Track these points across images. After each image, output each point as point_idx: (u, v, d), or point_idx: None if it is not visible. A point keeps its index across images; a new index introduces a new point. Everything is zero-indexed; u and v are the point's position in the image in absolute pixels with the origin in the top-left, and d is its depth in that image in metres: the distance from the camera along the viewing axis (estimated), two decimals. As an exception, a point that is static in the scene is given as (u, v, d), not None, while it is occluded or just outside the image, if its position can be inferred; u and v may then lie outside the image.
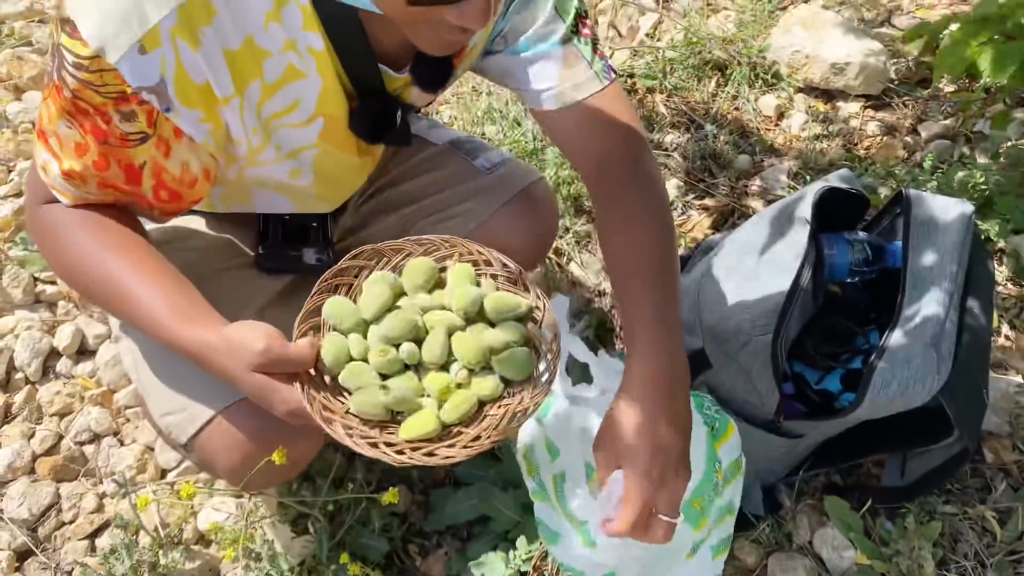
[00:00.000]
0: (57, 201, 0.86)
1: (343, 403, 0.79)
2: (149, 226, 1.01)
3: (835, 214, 1.24)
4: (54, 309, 1.56)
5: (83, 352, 1.52)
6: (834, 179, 1.19)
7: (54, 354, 1.50)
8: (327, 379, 0.81)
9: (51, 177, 0.84)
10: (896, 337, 1.06)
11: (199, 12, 0.75)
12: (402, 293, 0.85)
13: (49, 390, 1.46)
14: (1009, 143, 1.68)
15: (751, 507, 1.28)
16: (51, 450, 1.40)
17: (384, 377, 0.81)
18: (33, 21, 1.99)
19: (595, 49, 0.99)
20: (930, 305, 1.07)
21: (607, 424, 0.83)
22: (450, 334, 0.82)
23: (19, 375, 1.47)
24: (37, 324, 1.52)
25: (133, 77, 0.74)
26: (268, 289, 1.09)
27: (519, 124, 1.83)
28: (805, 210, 1.13)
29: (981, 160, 1.70)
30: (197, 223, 1.12)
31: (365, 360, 0.81)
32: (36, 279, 1.57)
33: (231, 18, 0.77)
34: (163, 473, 1.38)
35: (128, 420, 1.45)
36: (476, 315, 0.82)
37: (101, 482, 1.37)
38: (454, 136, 1.25)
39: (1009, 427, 1.35)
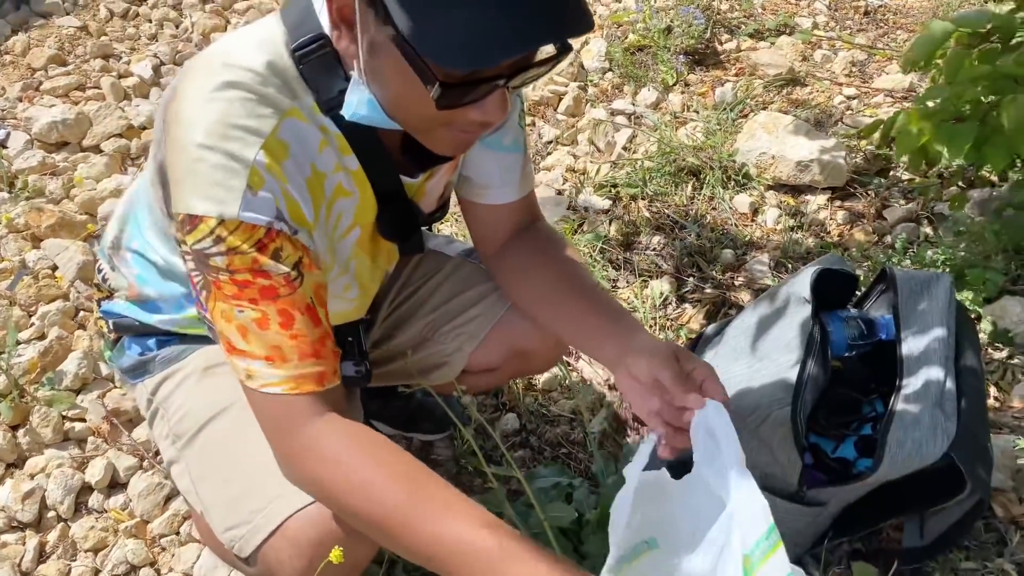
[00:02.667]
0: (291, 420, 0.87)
1: None
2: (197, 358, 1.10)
3: (827, 295, 1.35)
4: (83, 446, 1.59)
5: (114, 485, 1.55)
6: (824, 262, 1.31)
7: (85, 489, 1.53)
8: None
9: (259, 379, 0.86)
10: (902, 402, 1.15)
11: (277, 148, 0.85)
12: None
13: (82, 526, 1.47)
14: (969, 221, 1.83)
15: (782, 581, 1.33)
16: (89, 586, 1.41)
17: None
18: (46, 174, 2.09)
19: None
20: (929, 370, 1.17)
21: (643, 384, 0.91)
22: None
23: (51, 513, 1.49)
24: (67, 461, 1.55)
25: (257, 216, 0.82)
26: None
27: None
28: (801, 291, 1.24)
29: (947, 239, 1.85)
30: None
31: None
32: (64, 417, 1.61)
33: (300, 148, 0.88)
34: (204, 599, 1.39)
35: (164, 549, 1.47)
36: None
37: (142, 613, 1.38)
38: (467, 247, 1.36)
39: (1013, 482, 1.43)
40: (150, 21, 2.66)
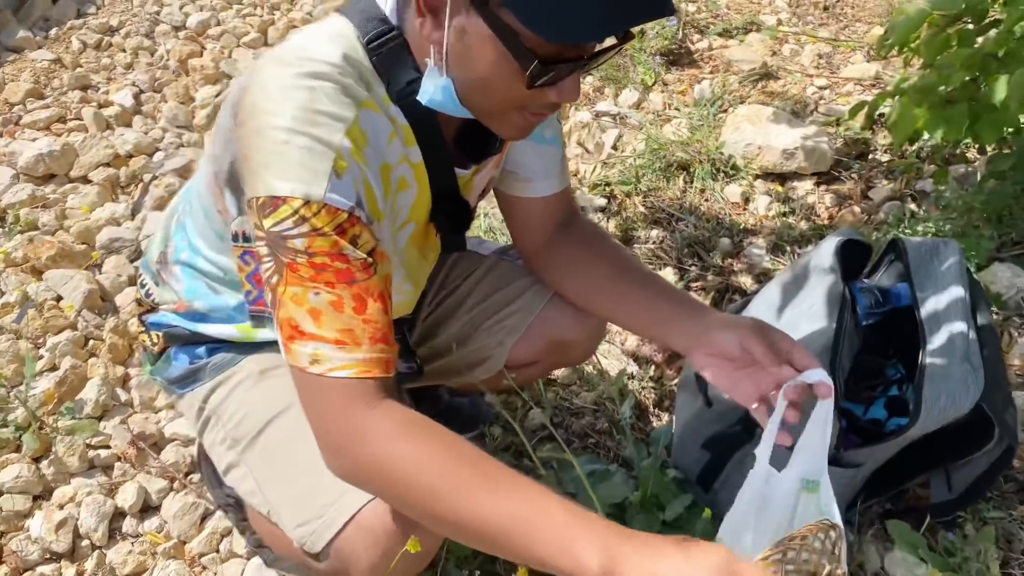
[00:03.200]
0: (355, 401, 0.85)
1: None
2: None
3: (843, 266, 1.41)
4: (110, 472, 1.57)
5: (147, 509, 1.53)
6: (842, 234, 1.37)
7: (118, 515, 1.51)
8: None
9: (326, 363, 0.85)
10: (930, 359, 1.21)
11: (359, 135, 0.87)
12: None
13: (119, 552, 1.45)
14: (955, 194, 1.92)
15: (822, 545, 1.37)
16: (134, 610, 1.39)
17: None
18: (37, 207, 2.07)
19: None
20: (951, 326, 1.23)
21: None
22: None
23: (84, 542, 1.47)
24: (97, 489, 1.53)
25: (342, 199, 0.83)
26: None
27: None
28: (824, 262, 1.30)
29: (933, 213, 1.94)
30: None
31: None
32: (88, 445, 1.59)
33: (375, 138, 0.90)
34: (254, 613, 1.39)
35: (205, 568, 1.46)
36: None
37: (193, 632, 1.37)
38: (500, 247, 1.39)
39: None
40: (124, 51, 2.64)
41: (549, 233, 1.21)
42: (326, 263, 0.84)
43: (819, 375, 0.91)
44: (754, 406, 0.95)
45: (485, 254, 1.36)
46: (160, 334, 1.19)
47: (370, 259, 0.87)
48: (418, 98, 0.89)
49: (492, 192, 1.23)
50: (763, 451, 0.93)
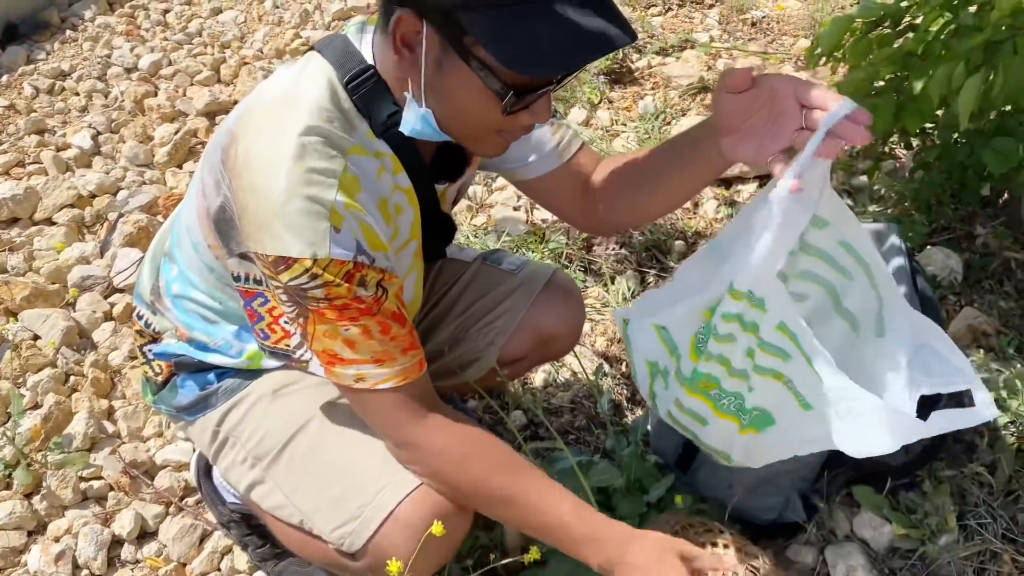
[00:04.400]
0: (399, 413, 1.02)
1: None
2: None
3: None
4: (103, 503, 1.60)
5: (144, 535, 1.56)
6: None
7: (115, 543, 1.53)
8: None
9: (370, 380, 0.98)
10: (880, 329, 1.33)
11: (351, 183, 0.95)
12: None
13: (121, 578, 1.48)
14: (888, 186, 2.07)
15: (795, 515, 1.48)
16: (143, 632, 1.41)
17: None
18: (4, 251, 2.08)
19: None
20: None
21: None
22: None
23: (84, 572, 1.49)
24: (92, 519, 1.55)
25: (344, 252, 0.92)
26: None
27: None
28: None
29: (869, 205, 2.08)
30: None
31: None
32: (81, 477, 1.61)
33: (364, 180, 0.98)
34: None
35: (208, 587, 1.49)
36: None
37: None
38: (478, 252, 1.47)
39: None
40: (77, 94, 2.66)
41: (585, 194, 1.23)
42: (346, 304, 0.95)
43: (852, 104, 0.84)
44: (770, 159, 0.91)
45: (468, 260, 1.43)
46: (164, 363, 1.23)
47: (379, 291, 0.97)
48: (400, 129, 0.97)
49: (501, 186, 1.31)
50: (790, 172, 0.87)
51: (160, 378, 1.25)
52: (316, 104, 0.95)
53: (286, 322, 1.10)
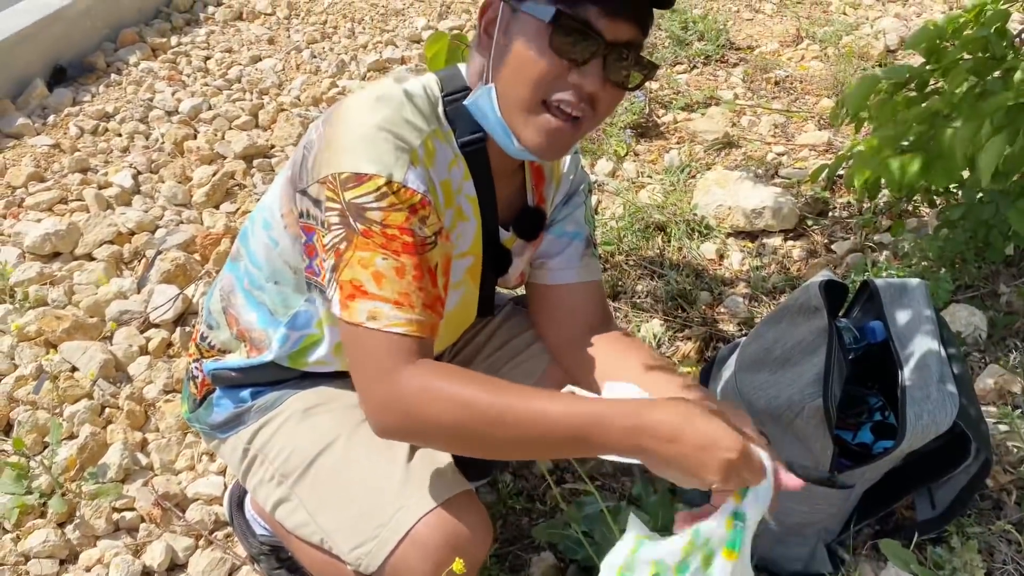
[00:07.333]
0: (399, 360, 0.96)
1: None
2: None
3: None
4: (135, 534, 1.61)
5: (174, 568, 1.57)
6: (822, 276, 1.51)
7: (145, 575, 1.55)
8: None
9: (383, 320, 0.96)
10: (909, 384, 1.35)
11: (431, 146, 1.05)
12: None
13: (150, 609, 1.49)
14: (913, 243, 2.10)
15: (821, 566, 1.48)
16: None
17: None
18: (45, 284, 2.13)
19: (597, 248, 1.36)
20: (924, 355, 1.37)
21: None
22: None
23: (114, 603, 1.50)
24: (123, 550, 1.57)
25: (417, 184, 1.00)
26: None
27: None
28: (810, 301, 1.44)
29: (893, 262, 2.11)
30: (341, 388, 1.26)
31: None
32: (114, 508, 1.63)
33: (441, 157, 1.07)
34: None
35: (237, 618, 1.50)
36: None
37: None
38: (514, 296, 1.51)
39: (996, 455, 1.64)
40: (120, 135, 2.75)
41: (577, 329, 1.28)
42: (396, 234, 0.98)
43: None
44: None
45: (500, 303, 1.47)
46: (201, 380, 1.28)
47: (432, 238, 1.02)
48: (464, 102, 1.07)
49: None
50: None
51: (199, 395, 1.29)
52: (420, 93, 1.07)
53: (313, 264, 1.09)
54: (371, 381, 0.98)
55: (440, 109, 1.09)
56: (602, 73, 1.00)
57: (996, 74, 1.70)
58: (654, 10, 1.03)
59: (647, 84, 2.96)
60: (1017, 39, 1.76)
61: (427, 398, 0.95)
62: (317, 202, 1.03)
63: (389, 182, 0.98)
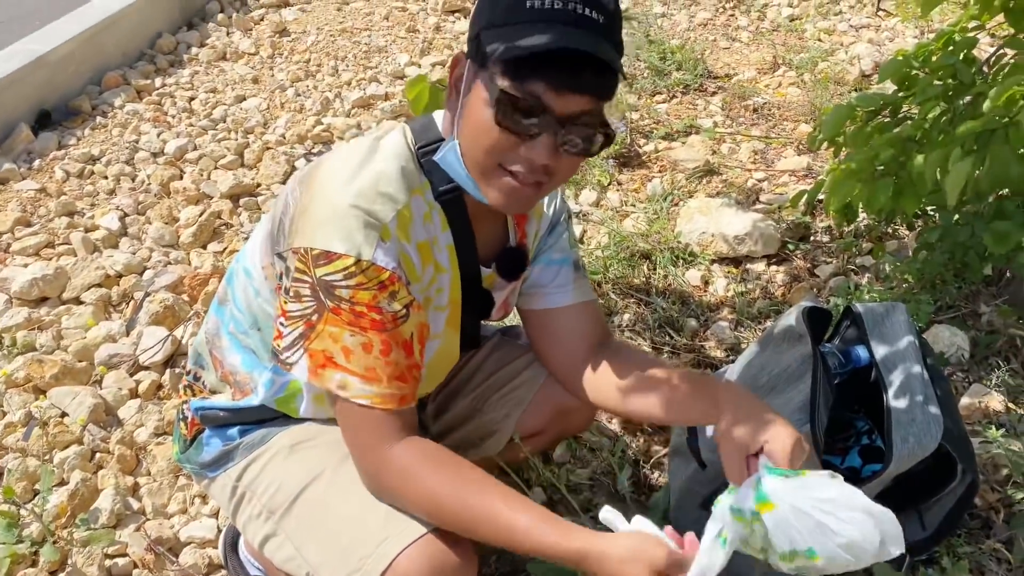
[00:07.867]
0: (379, 434, 1.04)
1: None
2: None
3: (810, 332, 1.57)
4: (127, 580, 1.61)
5: (168, 613, 1.57)
6: (806, 302, 1.54)
7: (139, 621, 1.54)
8: None
9: (351, 390, 1.03)
10: (894, 406, 1.37)
11: (406, 215, 1.06)
12: None
13: (144, 657, 1.48)
14: (894, 265, 2.14)
15: (815, 591, 1.48)
16: None
17: None
18: (33, 329, 2.13)
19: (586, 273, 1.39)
20: (908, 378, 1.40)
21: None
22: None
23: (108, 651, 1.49)
24: (116, 597, 1.56)
25: (386, 261, 1.01)
26: None
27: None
28: (793, 328, 1.46)
29: (874, 284, 2.15)
30: (328, 424, 1.26)
31: None
32: (106, 555, 1.62)
33: (419, 218, 1.08)
34: None
35: (232, 665, 1.49)
36: None
37: None
38: (501, 327, 1.52)
39: (983, 475, 1.66)
40: (106, 177, 2.76)
41: (580, 352, 1.30)
42: (364, 311, 1.01)
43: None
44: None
45: (487, 335, 1.49)
46: (191, 420, 1.29)
47: (403, 312, 1.04)
48: (434, 158, 1.09)
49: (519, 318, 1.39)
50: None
51: (189, 435, 1.30)
52: (397, 151, 1.09)
53: (282, 323, 1.10)
54: (355, 449, 1.09)
55: (417, 164, 1.10)
56: (554, 145, 0.99)
57: (967, 99, 1.74)
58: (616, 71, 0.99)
59: (628, 115, 3.01)
60: (985, 65, 1.81)
61: (405, 486, 1.05)
62: (288, 270, 1.06)
63: (358, 261, 1.00)
